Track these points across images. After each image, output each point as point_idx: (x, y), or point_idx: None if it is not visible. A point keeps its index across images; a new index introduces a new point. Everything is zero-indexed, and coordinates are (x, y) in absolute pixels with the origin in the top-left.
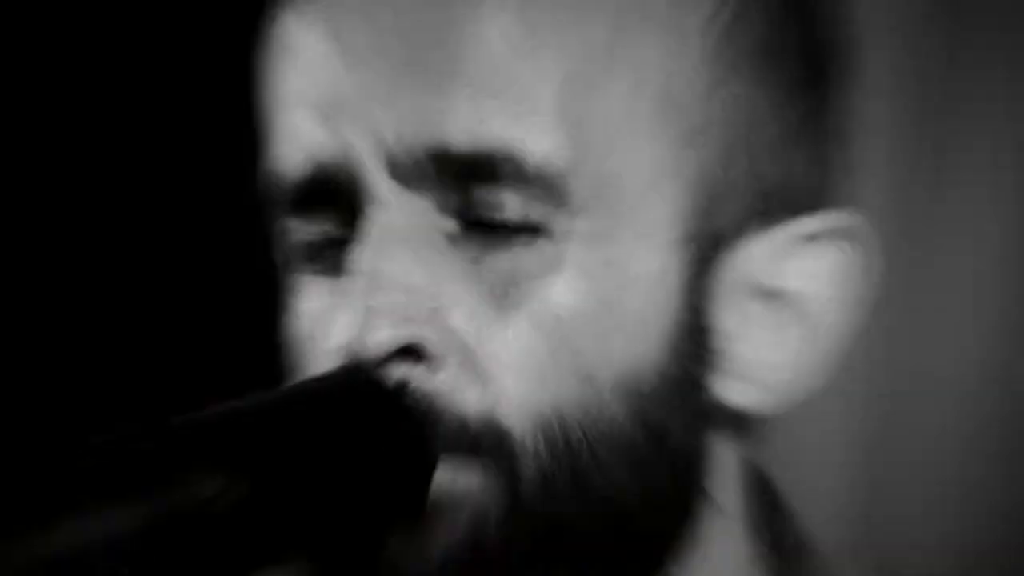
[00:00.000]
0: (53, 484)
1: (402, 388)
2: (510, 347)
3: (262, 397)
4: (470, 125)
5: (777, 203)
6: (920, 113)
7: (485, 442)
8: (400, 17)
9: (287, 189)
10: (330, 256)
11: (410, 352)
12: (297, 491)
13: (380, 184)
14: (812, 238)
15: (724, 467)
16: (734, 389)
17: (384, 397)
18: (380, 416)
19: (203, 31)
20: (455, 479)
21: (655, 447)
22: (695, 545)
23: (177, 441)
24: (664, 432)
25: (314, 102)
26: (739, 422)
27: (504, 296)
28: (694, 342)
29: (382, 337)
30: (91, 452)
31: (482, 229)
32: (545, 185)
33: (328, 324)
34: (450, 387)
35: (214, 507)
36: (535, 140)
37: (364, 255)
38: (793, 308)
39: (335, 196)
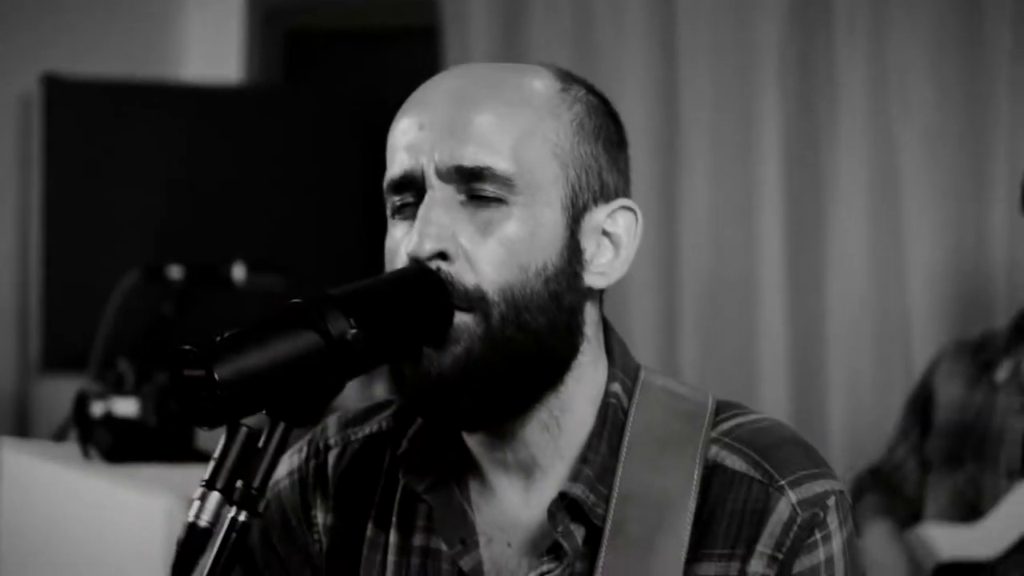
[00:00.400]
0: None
1: (437, 274)
2: (488, 254)
3: (373, 279)
4: (472, 157)
5: (606, 192)
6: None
7: (475, 301)
8: (442, 111)
9: (392, 182)
10: (407, 213)
11: (440, 255)
12: (385, 326)
13: (432, 178)
14: (621, 207)
15: (590, 318)
16: (591, 277)
17: (429, 277)
18: (427, 286)
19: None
20: (461, 319)
21: (555, 304)
22: (577, 365)
23: (330, 299)
24: (560, 296)
25: (405, 146)
26: (595, 294)
27: (485, 230)
28: (574, 255)
29: (427, 247)
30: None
31: (476, 200)
32: (504, 181)
33: (403, 243)
34: (459, 272)
35: (345, 333)
36: (499, 164)
37: (421, 210)
38: (614, 241)
39: (411, 184)
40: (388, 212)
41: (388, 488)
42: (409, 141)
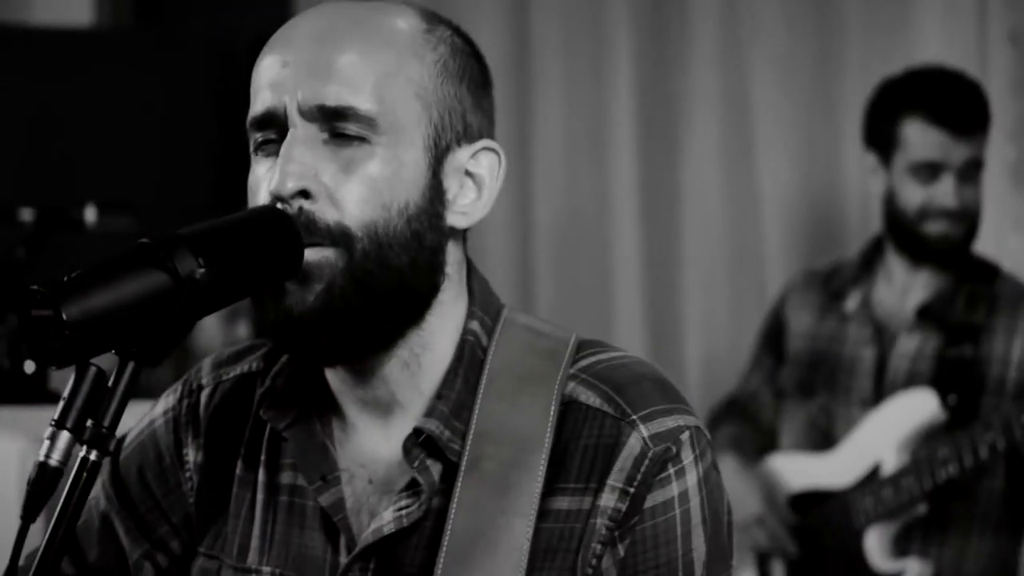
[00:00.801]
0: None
1: (285, 212)
2: (351, 192)
3: (222, 219)
4: (335, 97)
5: (469, 133)
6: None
7: (338, 237)
8: (306, 49)
9: (254, 119)
10: (269, 150)
11: (302, 193)
12: (234, 265)
13: (295, 116)
14: (484, 148)
15: (452, 257)
16: (453, 217)
17: (277, 215)
18: (275, 225)
19: None
20: (323, 255)
21: (417, 243)
22: (439, 303)
23: (179, 238)
24: (422, 235)
25: (268, 84)
26: (457, 233)
27: (348, 168)
28: (436, 195)
29: (289, 186)
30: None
31: (338, 138)
32: (367, 121)
33: (264, 180)
34: (321, 210)
35: (194, 273)
36: (362, 104)
37: (283, 148)
38: (477, 181)
39: (273, 121)
40: (251, 148)
41: (257, 427)
42: (272, 78)
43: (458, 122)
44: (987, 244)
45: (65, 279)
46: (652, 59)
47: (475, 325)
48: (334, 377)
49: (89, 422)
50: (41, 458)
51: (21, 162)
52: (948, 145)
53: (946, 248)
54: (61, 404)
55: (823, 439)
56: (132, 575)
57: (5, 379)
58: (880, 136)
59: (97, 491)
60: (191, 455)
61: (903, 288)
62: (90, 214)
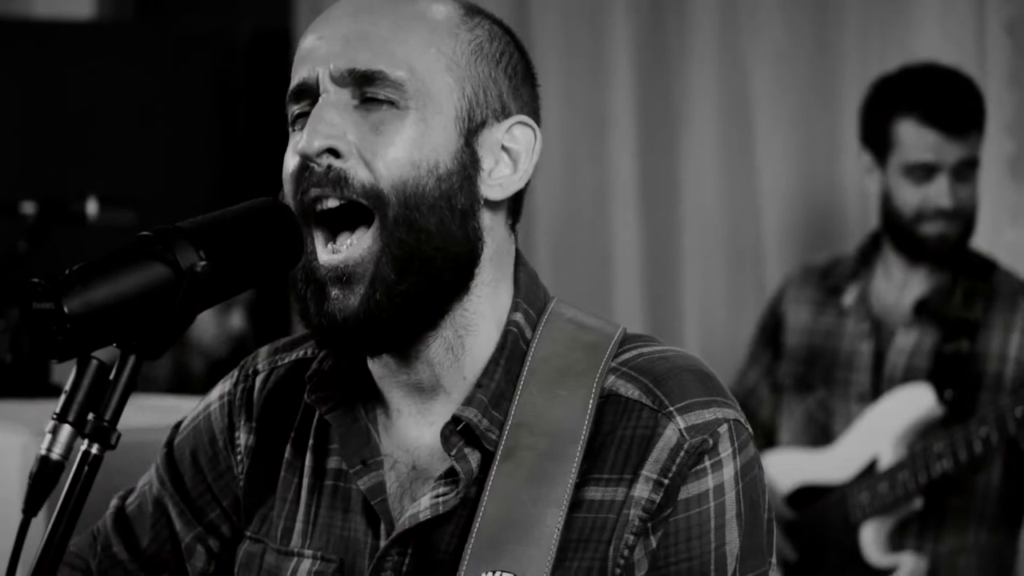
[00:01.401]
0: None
1: (284, 204)
2: (382, 152)
3: (223, 211)
4: (365, 62)
5: (507, 112)
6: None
7: (371, 196)
8: (340, 23)
9: (291, 92)
10: (303, 123)
11: (331, 152)
12: (234, 257)
13: (327, 82)
14: (519, 123)
15: (491, 230)
16: (488, 188)
17: (276, 206)
18: (276, 216)
19: None
20: (358, 249)
21: (447, 202)
22: (480, 283)
23: (180, 231)
24: (452, 196)
25: (304, 56)
26: (495, 206)
27: (377, 129)
28: (470, 161)
29: (316, 144)
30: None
31: (368, 103)
32: (397, 87)
33: (299, 142)
34: (353, 168)
35: (195, 265)
36: (393, 71)
37: (314, 111)
38: (513, 156)
39: (307, 91)
40: (289, 123)
41: (307, 412)
42: (307, 52)
43: (494, 100)
44: (984, 237)
45: (66, 272)
46: (651, 55)
47: (519, 317)
48: (378, 363)
49: (90, 415)
50: (43, 452)
51: (22, 155)
52: (942, 145)
53: (943, 248)
54: (62, 397)
55: (821, 434)
56: (184, 559)
57: (7, 372)
58: (875, 136)
59: (150, 476)
60: (242, 438)
61: (901, 283)
62: (91, 207)
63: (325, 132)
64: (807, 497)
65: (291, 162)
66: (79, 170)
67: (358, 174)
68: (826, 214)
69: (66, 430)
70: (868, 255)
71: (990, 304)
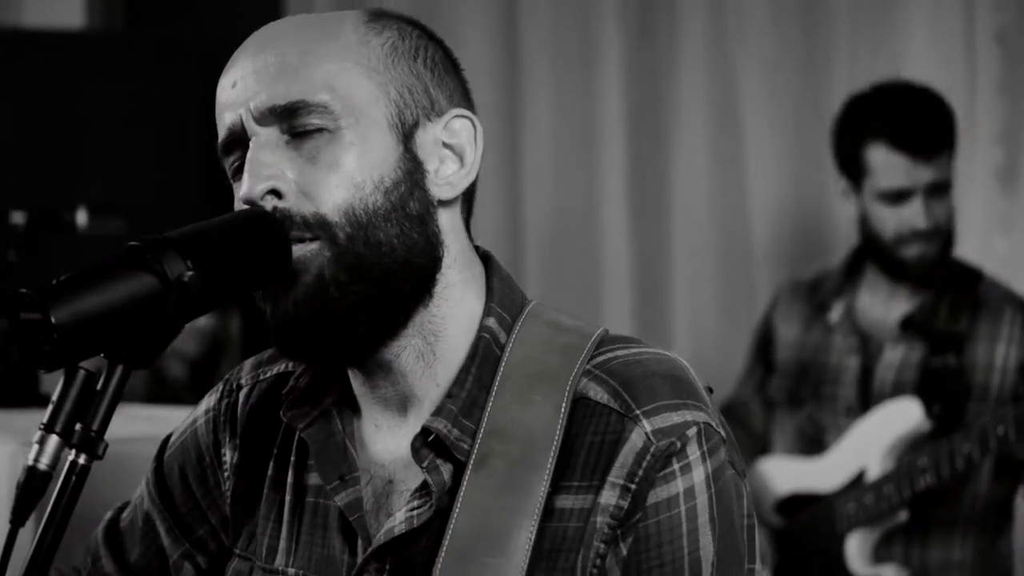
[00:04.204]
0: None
1: (269, 211)
2: (321, 180)
3: (209, 221)
4: (284, 94)
5: (437, 108)
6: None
7: (317, 228)
8: (249, 62)
9: (221, 144)
10: (241, 168)
11: (273, 192)
12: (222, 267)
13: (252, 125)
14: (456, 116)
15: (449, 231)
16: (438, 189)
17: (261, 215)
18: (260, 224)
19: None
20: (307, 249)
21: (401, 212)
22: (446, 285)
23: (167, 241)
24: (404, 204)
25: (224, 106)
26: (449, 205)
27: (314, 160)
28: (413, 167)
29: (258, 188)
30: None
31: (299, 135)
32: (322, 111)
33: (239, 188)
34: (296, 205)
35: (182, 275)
36: (314, 96)
37: (248, 155)
38: (456, 151)
39: (237, 140)
40: (229, 177)
41: (289, 428)
42: (226, 100)
43: (421, 97)
44: (973, 247)
45: (54, 282)
46: (641, 63)
47: (492, 322)
48: (355, 378)
49: (78, 426)
50: (30, 462)
51: (12, 165)
52: (912, 169)
53: (924, 268)
54: (50, 408)
55: (812, 449)
56: (172, 575)
57: None
58: (848, 163)
59: (141, 491)
60: (228, 455)
61: (886, 298)
62: (81, 217)
63: (264, 174)
64: (797, 505)
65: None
66: (69, 179)
67: (301, 208)
68: (816, 223)
69: (53, 440)
70: (852, 270)
71: (976, 315)
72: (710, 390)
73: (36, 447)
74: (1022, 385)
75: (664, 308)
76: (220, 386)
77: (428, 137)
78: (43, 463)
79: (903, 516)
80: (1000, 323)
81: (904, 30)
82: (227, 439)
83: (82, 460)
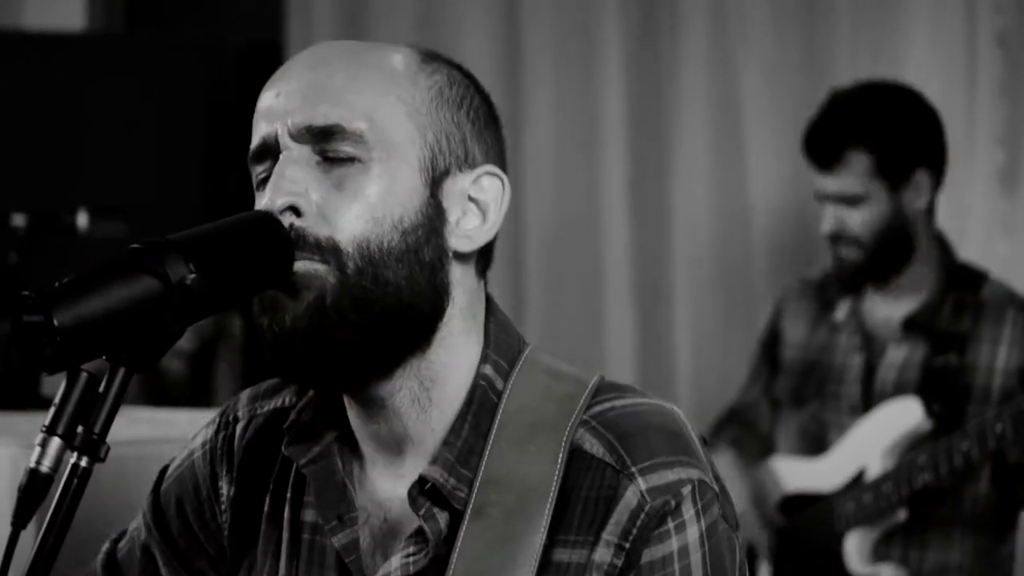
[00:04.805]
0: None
1: (274, 216)
2: (342, 208)
3: (213, 224)
4: (323, 116)
5: (471, 160)
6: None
7: (328, 252)
8: (297, 78)
9: (253, 151)
10: (267, 180)
11: (292, 209)
12: (224, 271)
13: (287, 139)
14: (487, 173)
15: (460, 283)
16: (456, 240)
17: (267, 220)
18: (265, 230)
19: None
20: (313, 267)
21: (414, 256)
22: (447, 334)
23: (170, 244)
24: (419, 250)
25: (263, 114)
26: (464, 259)
27: (339, 186)
28: (435, 213)
29: (280, 201)
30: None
31: (330, 160)
32: (356, 138)
33: (262, 198)
34: (312, 226)
35: (185, 278)
36: (351, 123)
37: (276, 167)
38: (481, 207)
39: (269, 151)
40: (254, 186)
41: (286, 463)
42: (265, 109)
43: (457, 147)
44: (975, 249)
45: (56, 285)
46: (642, 64)
47: (488, 369)
48: (351, 411)
49: (80, 428)
50: (32, 464)
51: (13, 167)
52: (818, 177)
53: (847, 271)
54: (52, 410)
55: (816, 446)
56: None
57: None
58: None
59: (139, 522)
60: (225, 489)
61: (891, 298)
62: (82, 219)
63: (287, 189)
64: (799, 505)
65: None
66: (69, 182)
67: (316, 230)
68: (818, 224)
69: (55, 443)
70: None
71: (979, 316)
72: (704, 441)
73: (38, 449)
74: (1023, 387)
75: (664, 310)
76: (217, 418)
77: (456, 187)
78: (45, 466)
79: (902, 515)
80: (1003, 325)
81: (905, 32)
82: (224, 472)
83: (84, 463)
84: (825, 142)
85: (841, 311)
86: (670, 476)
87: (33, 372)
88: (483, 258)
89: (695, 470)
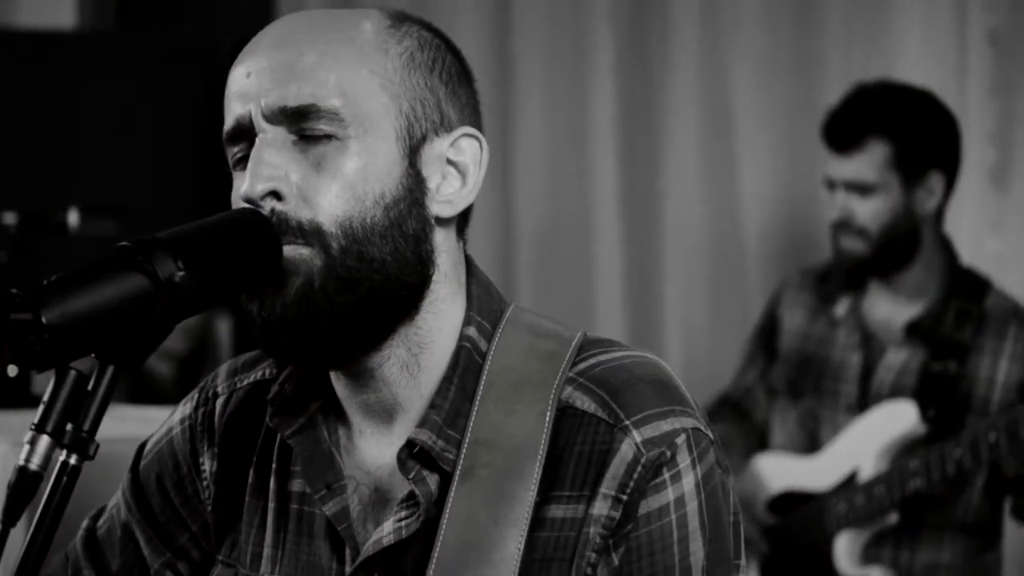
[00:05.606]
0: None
1: (261, 213)
2: (322, 188)
3: (200, 221)
4: (296, 96)
5: (447, 123)
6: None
7: (311, 235)
8: (267, 57)
9: (227, 133)
10: (245, 164)
11: (273, 194)
12: (213, 267)
13: (261, 122)
14: (464, 135)
15: (443, 249)
16: (438, 206)
17: (254, 216)
18: (252, 225)
19: None
20: (298, 252)
21: (398, 231)
22: (434, 300)
23: (158, 242)
24: (402, 223)
25: (235, 95)
26: (446, 223)
27: (318, 166)
28: (415, 183)
29: (259, 188)
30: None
31: (307, 139)
32: (331, 116)
33: (241, 184)
34: (294, 210)
35: (173, 276)
36: (325, 100)
37: (253, 152)
38: (460, 169)
39: (244, 132)
40: (230, 166)
41: (269, 435)
42: (238, 90)
43: (432, 111)
44: (966, 248)
45: (45, 283)
46: (633, 65)
47: (472, 331)
48: (338, 382)
49: (69, 426)
50: (21, 462)
51: (3, 165)
52: (834, 161)
53: (851, 263)
54: (41, 408)
55: (810, 441)
56: None
57: None
58: None
59: (118, 500)
60: (207, 464)
61: (892, 301)
62: (73, 218)
63: (266, 174)
64: (790, 503)
65: (235, 205)
66: (60, 180)
67: (299, 213)
68: (808, 223)
69: (44, 441)
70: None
71: (981, 327)
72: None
73: (27, 447)
74: (1021, 402)
75: (656, 308)
76: (195, 394)
77: (434, 152)
78: (34, 463)
79: (893, 518)
80: (1004, 339)
81: (897, 30)
82: (205, 448)
83: (73, 460)
84: (846, 125)
85: (841, 307)
86: (664, 427)
87: (22, 370)
88: (462, 219)
89: (689, 419)
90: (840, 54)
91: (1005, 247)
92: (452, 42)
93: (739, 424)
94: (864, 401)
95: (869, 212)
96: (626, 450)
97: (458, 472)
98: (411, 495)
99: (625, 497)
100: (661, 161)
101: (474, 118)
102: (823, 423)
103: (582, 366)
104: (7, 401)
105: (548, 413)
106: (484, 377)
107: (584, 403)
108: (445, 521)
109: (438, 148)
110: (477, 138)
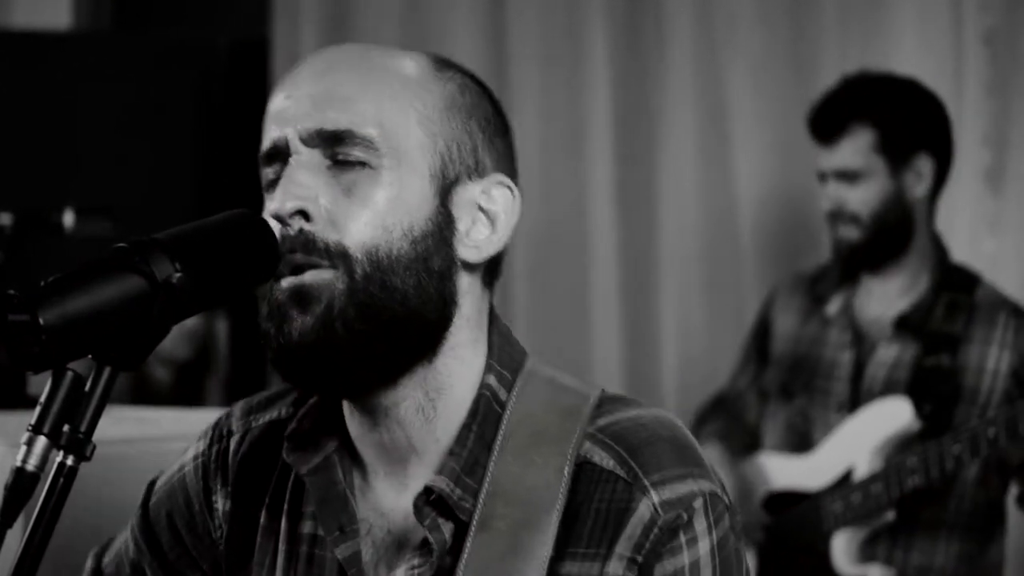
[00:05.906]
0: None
1: (261, 216)
2: (351, 213)
3: (199, 222)
4: (334, 121)
5: (481, 169)
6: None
7: (336, 258)
8: (308, 82)
9: (263, 154)
10: (276, 183)
11: (302, 213)
12: (210, 269)
13: (296, 144)
14: (498, 183)
15: (467, 293)
16: (465, 250)
17: (251, 218)
18: (251, 228)
19: None
20: (322, 276)
21: (423, 265)
22: (454, 344)
23: (155, 243)
24: (428, 258)
25: (273, 117)
26: (472, 269)
27: (349, 192)
28: (444, 222)
29: (289, 205)
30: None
31: (340, 164)
32: (366, 144)
33: (271, 204)
34: (321, 231)
35: (170, 277)
36: (361, 128)
37: (286, 172)
38: (491, 216)
39: (279, 153)
40: (263, 187)
41: (282, 475)
42: (276, 112)
43: (468, 156)
44: (962, 248)
45: (42, 284)
46: (628, 65)
47: (492, 379)
48: (352, 420)
49: (66, 427)
50: (18, 463)
51: None
52: (821, 152)
53: (846, 252)
54: (38, 409)
55: (801, 442)
56: None
57: None
58: None
59: (126, 536)
60: (220, 503)
61: (884, 296)
62: (69, 218)
63: (296, 194)
64: (784, 502)
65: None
66: (56, 181)
67: (325, 235)
68: (805, 223)
69: (41, 442)
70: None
71: (972, 318)
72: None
73: (24, 448)
74: (1013, 390)
75: (651, 308)
76: (209, 432)
77: (466, 196)
78: (31, 464)
79: (890, 516)
80: (994, 327)
81: (892, 31)
82: (218, 486)
83: (70, 461)
84: (829, 114)
85: (833, 305)
86: (682, 489)
87: (19, 371)
88: (491, 269)
89: (706, 482)
90: (836, 55)
91: (1001, 248)
92: (493, 94)
93: (732, 426)
94: (855, 400)
95: (859, 199)
96: (643, 510)
97: (475, 522)
98: (424, 542)
99: (640, 559)
100: (657, 162)
101: (509, 168)
102: (815, 423)
103: (601, 422)
104: (2, 402)
105: (567, 467)
106: (503, 428)
107: (603, 459)
108: (461, 571)
109: (470, 192)
110: (510, 188)
